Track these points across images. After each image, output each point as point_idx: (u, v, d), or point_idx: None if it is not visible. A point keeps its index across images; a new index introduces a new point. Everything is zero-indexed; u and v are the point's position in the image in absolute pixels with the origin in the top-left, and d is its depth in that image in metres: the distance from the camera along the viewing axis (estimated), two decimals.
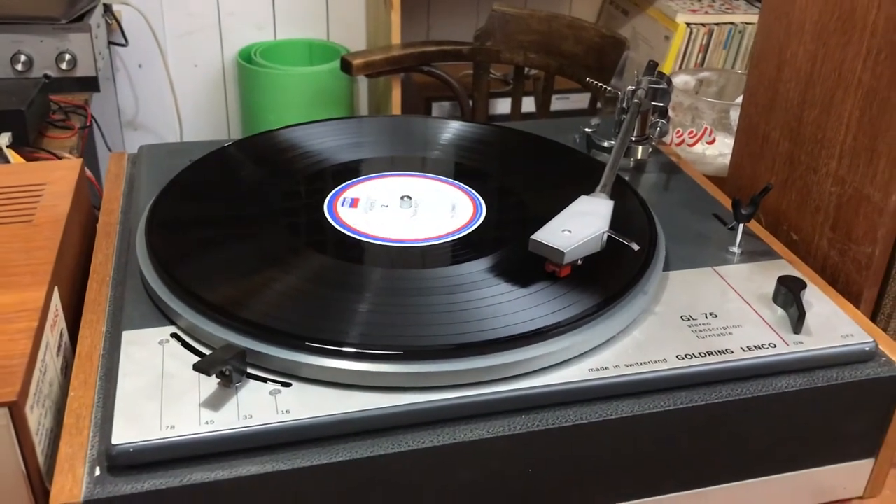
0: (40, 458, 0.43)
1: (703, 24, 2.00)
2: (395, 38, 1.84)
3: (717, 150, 0.85)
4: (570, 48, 1.61)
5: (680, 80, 0.90)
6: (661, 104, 0.72)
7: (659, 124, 0.71)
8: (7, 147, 1.07)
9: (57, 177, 0.59)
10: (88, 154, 1.37)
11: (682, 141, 0.85)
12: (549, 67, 1.64)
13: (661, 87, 0.72)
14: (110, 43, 1.76)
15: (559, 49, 1.62)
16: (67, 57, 1.36)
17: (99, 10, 1.52)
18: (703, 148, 0.85)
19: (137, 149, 0.69)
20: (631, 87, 0.70)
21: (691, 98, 0.85)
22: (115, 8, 1.84)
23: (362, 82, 2.19)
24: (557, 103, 1.94)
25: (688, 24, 2.00)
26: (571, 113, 2.01)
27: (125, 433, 0.41)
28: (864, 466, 0.54)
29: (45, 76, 1.35)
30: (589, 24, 1.60)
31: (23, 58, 1.34)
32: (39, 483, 0.43)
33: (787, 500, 0.54)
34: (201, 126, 2.16)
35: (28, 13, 1.36)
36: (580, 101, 2.01)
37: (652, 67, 0.75)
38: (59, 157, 1.13)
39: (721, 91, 0.91)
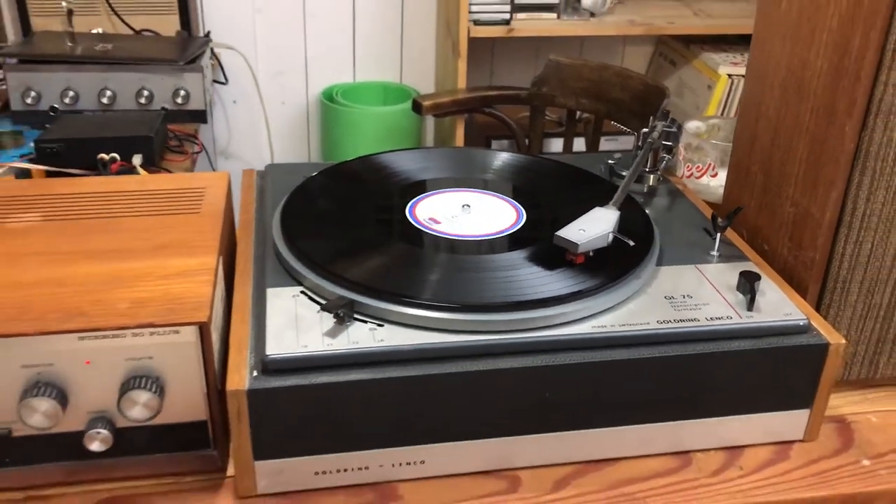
0: (216, 367, 0.63)
1: (742, 76, 2.17)
2: (461, 83, 2.03)
3: (719, 182, 1.03)
4: (618, 95, 1.76)
5: (693, 125, 1.09)
6: (670, 143, 0.91)
7: (666, 159, 0.89)
8: (139, 166, 1.30)
9: (212, 183, 0.81)
10: None
11: (691, 174, 1.04)
12: (599, 112, 1.78)
13: (671, 130, 0.91)
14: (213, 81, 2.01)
15: (608, 95, 1.76)
16: (182, 93, 1.58)
17: (207, 53, 1.76)
18: (707, 180, 1.03)
19: (264, 167, 0.91)
20: (645, 130, 0.90)
21: (699, 140, 1.04)
22: (216, 50, 2.09)
23: (429, 121, 2.39)
24: (606, 144, 2.11)
25: (729, 76, 2.17)
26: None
27: (275, 348, 0.61)
28: (802, 415, 0.71)
29: (163, 108, 1.59)
30: (635, 73, 1.76)
31: (146, 93, 1.57)
32: (214, 384, 0.63)
33: (743, 437, 0.70)
34: (286, 156, 2.40)
35: (152, 56, 1.60)
36: (627, 142, 2.18)
37: (665, 114, 0.93)
38: None
39: (727, 135, 1.09)
